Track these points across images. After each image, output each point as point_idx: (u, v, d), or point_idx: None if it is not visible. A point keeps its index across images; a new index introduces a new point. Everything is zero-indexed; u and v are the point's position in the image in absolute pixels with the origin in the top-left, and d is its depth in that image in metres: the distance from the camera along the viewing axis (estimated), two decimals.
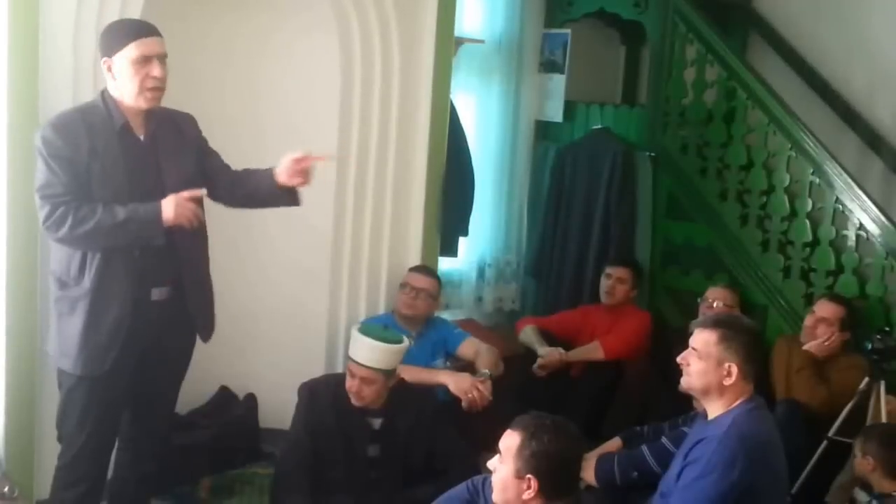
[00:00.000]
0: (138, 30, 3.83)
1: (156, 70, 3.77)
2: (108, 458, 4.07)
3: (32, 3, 4.25)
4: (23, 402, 4.34)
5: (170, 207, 3.72)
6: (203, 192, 3.86)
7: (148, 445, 4.19)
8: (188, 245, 3.97)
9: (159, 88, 3.81)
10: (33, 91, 4.29)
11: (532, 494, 3.20)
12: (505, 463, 3.26)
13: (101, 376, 3.83)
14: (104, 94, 3.84)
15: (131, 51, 3.74)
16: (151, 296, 3.90)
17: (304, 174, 4.01)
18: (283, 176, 4.03)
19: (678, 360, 3.83)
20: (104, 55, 3.79)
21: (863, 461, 4.58)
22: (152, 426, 4.17)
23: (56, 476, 4.01)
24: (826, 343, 5.42)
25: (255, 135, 5.49)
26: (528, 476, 3.19)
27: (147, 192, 3.81)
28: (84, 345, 3.80)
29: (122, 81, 3.77)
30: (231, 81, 5.45)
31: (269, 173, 4.10)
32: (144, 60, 3.74)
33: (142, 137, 3.87)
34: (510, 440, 3.27)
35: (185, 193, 3.76)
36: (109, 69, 3.77)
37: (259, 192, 4.14)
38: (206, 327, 4.16)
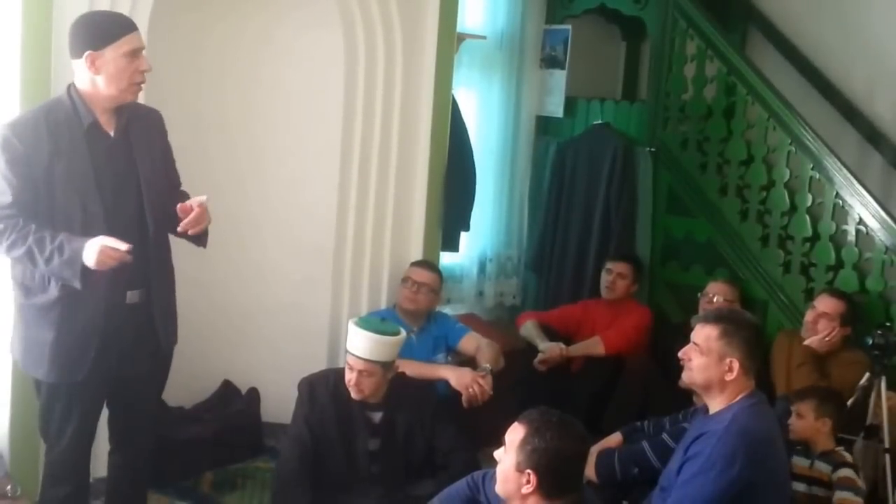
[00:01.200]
0: (129, 23, 3.77)
1: (144, 64, 3.71)
2: (89, 460, 4.00)
3: None
4: (27, 402, 4.30)
5: (92, 254, 3.50)
6: (128, 257, 3.55)
7: (136, 447, 4.11)
8: (159, 249, 3.87)
9: (144, 82, 3.76)
10: (46, 83, 4.27)
11: (531, 489, 3.18)
12: (508, 455, 3.25)
13: (80, 382, 3.75)
14: (70, 89, 3.73)
15: (124, 44, 3.65)
16: (126, 299, 3.80)
17: (196, 222, 3.78)
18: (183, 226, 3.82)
19: (680, 355, 3.82)
20: (90, 48, 3.63)
21: (817, 423, 4.61)
22: (138, 428, 4.08)
23: (43, 475, 3.98)
24: (827, 338, 5.39)
25: (258, 131, 5.50)
26: (528, 471, 3.17)
27: (120, 190, 3.73)
28: (57, 354, 3.71)
29: (111, 75, 3.66)
30: (234, 77, 5.44)
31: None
32: (135, 54, 3.68)
33: (111, 133, 3.76)
34: (515, 433, 3.26)
35: (111, 243, 3.52)
36: (94, 63, 3.64)
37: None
38: (169, 335, 4.01)
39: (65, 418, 3.82)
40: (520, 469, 3.20)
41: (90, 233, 3.59)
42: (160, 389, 4.19)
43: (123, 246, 3.52)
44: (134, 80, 3.70)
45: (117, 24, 3.73)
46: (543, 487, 3.17)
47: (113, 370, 3.85)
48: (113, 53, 3.64)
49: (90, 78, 3.68)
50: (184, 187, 4.10)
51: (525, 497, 3.21)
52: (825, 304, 5.52)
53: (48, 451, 3.93)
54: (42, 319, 3.71)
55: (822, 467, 4.55)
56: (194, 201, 3.76)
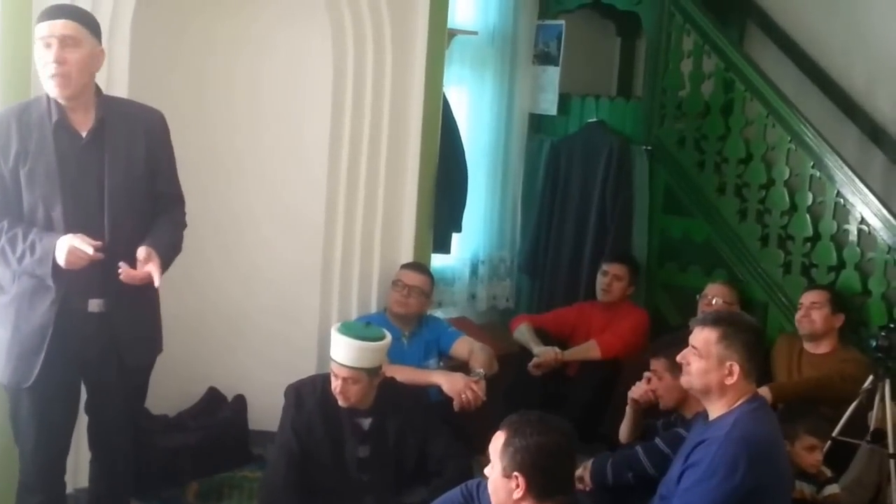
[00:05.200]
0: (51, 10, 3.67)
1: (51, 54, 3.57)
2: (62, 470, 3.97)
3: None
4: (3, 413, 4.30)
5: (62, 253, 3.51)
6: (97, 255, 3.54)
7: (114, 459, 4.08)
8: (123, 259, 3.69)
9: (60, 75, 3.58)
10: (25, 86, 4.26)
11: (521, 493, 3.17)
12: (494, 464, 3.24)
13: (35, 387, 3.71)
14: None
15: (37, 33, 3.62)
16: (88, 307, 3.74)
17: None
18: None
19: (678, 359, 3.80)
20: None
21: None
22: (115, 441, 4.04)
23: (18, 483, 3.95)
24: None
25: (243, 131, 5.47)
26: (515, 473, 3.17)
27: (84, 194, 3.67)
28: (9, 354, 3.71)
29: (38, 70, 3.64)
30: (215, 75, 5.40)
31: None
32: (45, 44, 3.59)
33: (83, 133, 3.68)
34: (496, 441, 3.27)
35: (79, 244, 3.50)
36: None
37: None
38: (136, 350, 3.93)
39: (28, 423, 3.80)
40: (507, 474, 3.19)
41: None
42: (135, 404, 4.13)
43: (89, 249, 3.50)
44: (45, 73, 3.61)
45: (41, 12, 3.68)
46: (533, 489, 3.16)
47: (77, 378, 3.84)
48: (36, 43, 3.63)
49: None
50: None
51: (517, 503, 3.19)
52: (810, 296, 5.63)
53: (21, 458, 3.91)
54: (3, 319, 3.72)
55: (805, 488, 4.48)
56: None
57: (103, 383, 3.89)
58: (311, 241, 5.56)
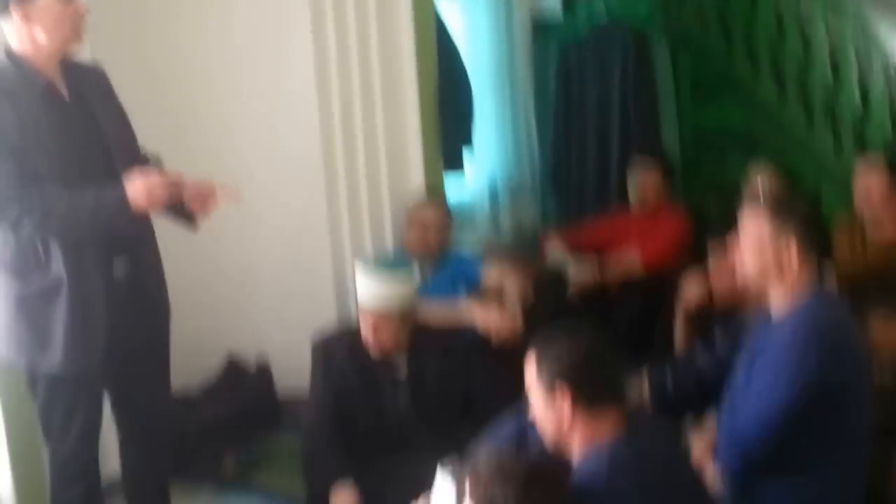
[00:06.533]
0: None
1: (82, 6, 3.63)
2: (97, 453, 3.99)
3: None
4: (22, 411, 4.35)
5: (141, 194, 3.56)
6: (178, 176, 3.71)
7: (149, 439, 4.13)
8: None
9: (83, 28, 3.67)
10: None
11: (569, 405, 3.13)
12: (533, 393, 3.24)
13: (94, 369, 3.73)
14: (9, 54, 3.63)
15: None
16: (115, 271, 3.77)
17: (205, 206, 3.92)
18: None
19: (730, 250, 3.74)
20: (15, 5, 3.54)
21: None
22: (149, 417, 4.09)
23: (52, 478, 3.95)
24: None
25: (219, 72, 5.44)
26: (556, 383, 3.14)
27: (86, 160, 3.68)
28: (72, 340, 3.66)
29: (48, 27, 3.57)
30: (192, 12, 5.43)
31: None
32: None
33: (66, 97, 3.69)
34: (529, 367, 3.27)
35: (158, 179, 3.61)
36: (26, 15, 3.54)
37: None
38: (165, 303, 4.06)
39: (69, 413, 3.80)
40: (548, 389, 3.17)
41: None
42: (166, 365, 4.15)
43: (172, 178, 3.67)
44: (73, 25, 3.62)
45: None
46: (581, 397, 3.13)
47: (114, 352, 3.82)
48: (45, 2, 3.55)
49: (27, 34, 3.58)
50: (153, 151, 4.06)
51: (569, 422, 3.16)
52: (865, 169, 5.43)
53: (53, 452, 3.91)
54: (50, 305, 3.65)
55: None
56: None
57: (138, 356, 3.92)
58: (312, 182, 5.51)
